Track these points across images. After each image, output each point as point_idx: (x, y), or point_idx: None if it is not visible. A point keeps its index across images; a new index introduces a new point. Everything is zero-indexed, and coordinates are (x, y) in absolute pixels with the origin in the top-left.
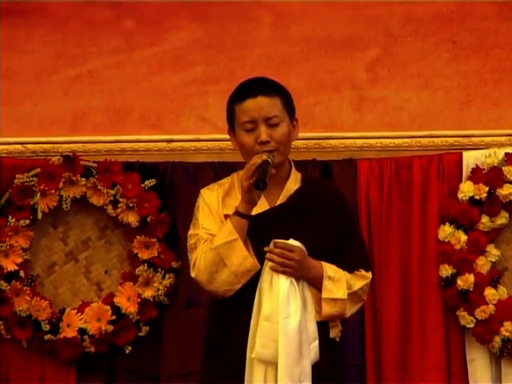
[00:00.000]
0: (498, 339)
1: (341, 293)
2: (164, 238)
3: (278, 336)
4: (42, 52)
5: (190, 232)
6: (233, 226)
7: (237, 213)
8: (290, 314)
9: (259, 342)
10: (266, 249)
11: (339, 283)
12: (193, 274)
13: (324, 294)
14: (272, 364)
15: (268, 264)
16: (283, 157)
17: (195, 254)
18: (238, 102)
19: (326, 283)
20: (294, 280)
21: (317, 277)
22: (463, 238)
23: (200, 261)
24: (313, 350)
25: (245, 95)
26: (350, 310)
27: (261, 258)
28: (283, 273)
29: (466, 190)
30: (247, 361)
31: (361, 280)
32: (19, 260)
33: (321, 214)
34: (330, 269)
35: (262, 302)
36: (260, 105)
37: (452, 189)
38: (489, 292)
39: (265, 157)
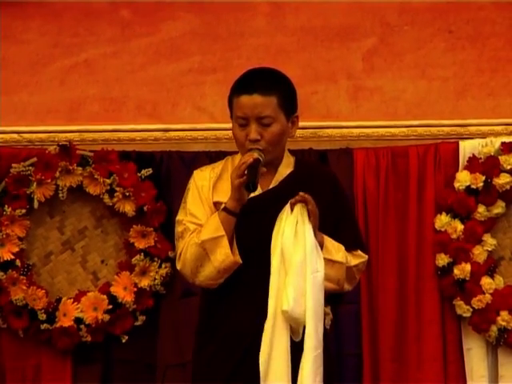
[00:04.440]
0: (494, 328)
1: (339, 256)
2: (160, 227)
3: (306, 291)
4: (38, 42)
5: (178, 217)
6: (220, 222)
7: (225, 209)
8: (318, 269)
9: (292, 296)
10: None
11: (338, 248)
12: (178, 266)
13: (324, 255)
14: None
15: (290, 220)
16: (273, 155)
17: (181, 244)
18: (235, 95)
19: (327, 244)
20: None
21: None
22: (460, 227)
23: (186, 254)
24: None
25: (242, 90)
26: (346, 286)
27: (252, 242)
28: (306, 202)
29: (463, 179)
30: (270, 314)
31: (357, 258)
32: (15, 249)
33: (314, 198)
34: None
35: (286, 256)
36: (254, 103)
37: (448, 178)
38: (485, 281)
39: (256, 155)
